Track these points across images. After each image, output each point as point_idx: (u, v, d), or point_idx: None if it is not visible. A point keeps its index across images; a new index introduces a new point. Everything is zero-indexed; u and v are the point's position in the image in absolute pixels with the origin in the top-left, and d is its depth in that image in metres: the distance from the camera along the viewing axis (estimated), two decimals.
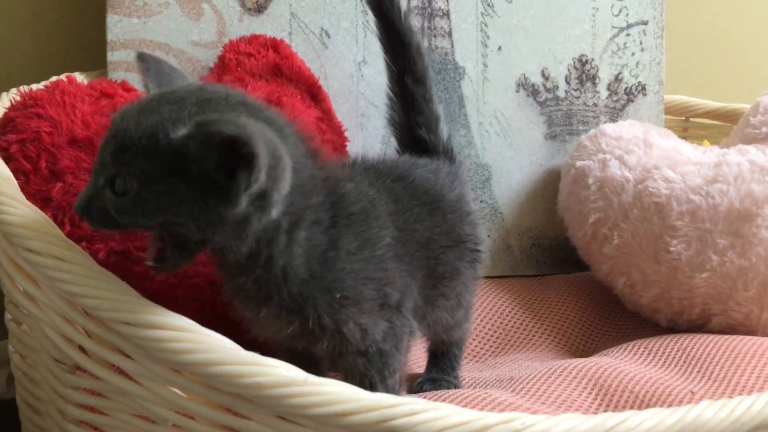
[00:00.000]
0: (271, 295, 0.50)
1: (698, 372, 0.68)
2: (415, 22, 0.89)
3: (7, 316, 0.57)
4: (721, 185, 0.76)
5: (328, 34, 0.86)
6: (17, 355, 0.57)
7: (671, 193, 0.78)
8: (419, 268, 0.57)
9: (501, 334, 0.84)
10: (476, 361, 0.80)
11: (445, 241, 0.60)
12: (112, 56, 0.80)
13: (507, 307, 0.86)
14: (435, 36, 0.90)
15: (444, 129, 0.67)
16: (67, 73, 0.64)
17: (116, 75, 0.79)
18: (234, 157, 0.44)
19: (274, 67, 0.76)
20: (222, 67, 0.76)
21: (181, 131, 0.45)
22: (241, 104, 0.48)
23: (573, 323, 0.85)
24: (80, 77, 0.74)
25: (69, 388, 0.51)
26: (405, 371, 0.60)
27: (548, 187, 0.93)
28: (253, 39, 0.79)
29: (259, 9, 0.84)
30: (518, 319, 0.85)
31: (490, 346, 0.82)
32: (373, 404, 0.45)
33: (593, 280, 0.90)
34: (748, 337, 0.72)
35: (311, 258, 0.50)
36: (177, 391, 0.46)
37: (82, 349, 0.49)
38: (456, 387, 0.68)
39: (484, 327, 0.83)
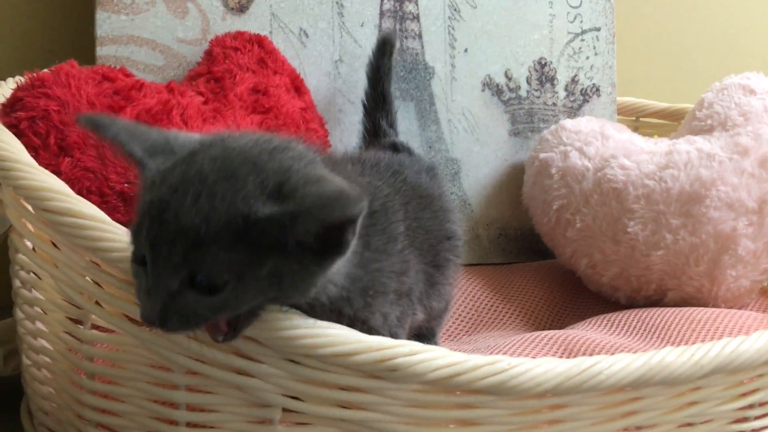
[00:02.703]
0: (314, 307, 0.49)
1: (658, 337, 0.73)
2: (389, 24, 0.94)
3: (17, 283, 0.59)
4: (672, 171, 0.83)
5: (306, 34, 0.91)
6: (27, 321, 0.59)
7: (627, 179, 0.85)
8: (426, 256, 0.61)
9: (473, 315, 0.88)
10: (451, 340, 0.84)
11: (439, 234, 0.64)
12: (101, 51, 0.83)
13: (478, 291, 0.91)
14: (406, 38, 0.96)
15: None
16: (70, 59, 0.67)
17: None
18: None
19: (260, 60, 0.80)
20: (210, 60, 0.80)
21: (268, 208, 0.42)
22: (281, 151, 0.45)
23: (540, 303, 0.90)
24: None
25: (84, 344, 0.53)
26: None
27: (512, 181, 0.98)
28: (238, 35, 0.83)
29: (242, 9, 0.88)
30: (489, 301, 0.90)
31: (464, 326, 0.87)
32: (375, 345, 0.49)
33: (557, 267, 0.95)
34: (702, 308, 0.79)
35: (351, 263, 0.50)
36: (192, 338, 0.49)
37: (98, 303, 0.52)
38: None
39: (456, 309, 0.86)
